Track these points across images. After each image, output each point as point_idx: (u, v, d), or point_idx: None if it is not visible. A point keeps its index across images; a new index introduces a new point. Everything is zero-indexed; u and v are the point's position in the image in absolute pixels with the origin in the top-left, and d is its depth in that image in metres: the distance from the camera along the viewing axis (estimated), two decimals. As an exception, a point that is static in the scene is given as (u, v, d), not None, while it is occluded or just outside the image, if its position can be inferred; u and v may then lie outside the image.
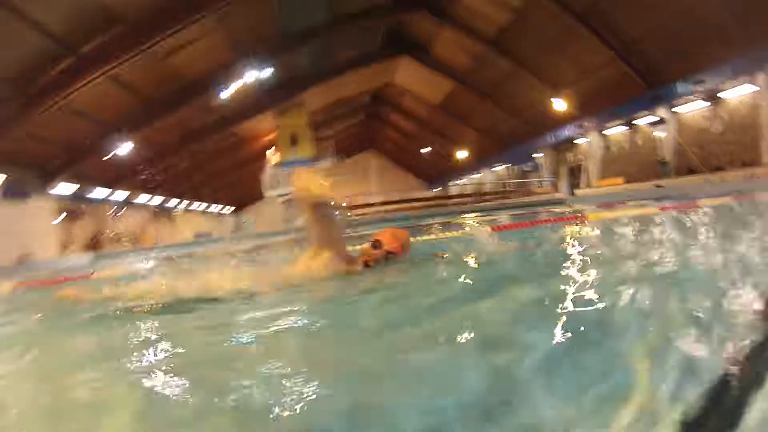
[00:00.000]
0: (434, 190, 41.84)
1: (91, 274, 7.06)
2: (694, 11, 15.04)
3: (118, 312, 2.74)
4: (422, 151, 37.79)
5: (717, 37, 14.90)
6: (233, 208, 42.33)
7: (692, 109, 19.06)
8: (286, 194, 24.16)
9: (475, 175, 35.93)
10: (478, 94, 26.56)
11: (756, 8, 13.50)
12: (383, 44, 24.78)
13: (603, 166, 23.61)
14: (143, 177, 25.48)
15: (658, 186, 16.98)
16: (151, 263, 9.19)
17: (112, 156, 20.51)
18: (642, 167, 21.10)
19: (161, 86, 19.31)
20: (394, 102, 34.38)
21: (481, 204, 22.29)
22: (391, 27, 24.05)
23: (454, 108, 29.86)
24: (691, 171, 18.39)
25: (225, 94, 20.14)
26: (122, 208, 26.70)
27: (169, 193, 30.89)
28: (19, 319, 3.25)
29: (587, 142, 24.20)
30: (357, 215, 25.36)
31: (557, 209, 13.51)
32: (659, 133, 20.27)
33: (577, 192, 23.03)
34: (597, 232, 5.65)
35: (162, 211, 31.61)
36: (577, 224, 6.65)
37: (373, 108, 35.60)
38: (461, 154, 34.55)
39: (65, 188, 21.20)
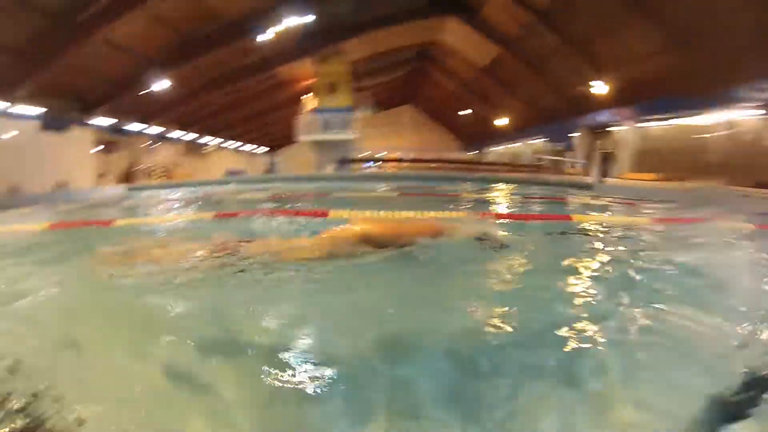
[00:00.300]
0: (469, 153, 41.01)
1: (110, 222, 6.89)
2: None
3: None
4: (461, 113, 36.89)
5: None
6: (267, 148, 42.53)
7: (747, 116, 17.52)
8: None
9: (512, 145, 34.99)
10: (523, 64, 25.56)
11: None
12: (432, 1, 23.83)
13: (638, 158, 22.60)
14: (179, 113, 25.72)
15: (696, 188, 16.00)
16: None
17: (149, 91, 20.62)
18: (679, 167, 19.65)
19: (200, 24, 19.09)
20: (439, 60, 33.45)
21: (511, 175, 21.83)
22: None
23: (498, 74, 28.87)
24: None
25: (263, 37, 19.79)
26: (157, 143, 27.00)
27: (204, 130, 31.13)
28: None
29: (622, 130, 23.19)
30: (389, 168, 25.57)
31: (579, 196, 13.27)
32: (706, 135, 18.97)
33: (607, 180, 22.25)
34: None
35: (196, 147, 31.91)
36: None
37: (417, 63, 34.72)
38: (500, 121, 33.60)
39: (103, 120, 21.50)
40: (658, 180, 19.91)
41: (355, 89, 29.61)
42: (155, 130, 25.84)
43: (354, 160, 25.61)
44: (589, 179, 22.57)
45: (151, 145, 26.05)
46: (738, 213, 8.46)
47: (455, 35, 27.77)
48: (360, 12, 22.26)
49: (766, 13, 13.61)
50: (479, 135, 38.66)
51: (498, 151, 37.38)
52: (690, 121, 19.56)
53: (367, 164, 29.08)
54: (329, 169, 23.55)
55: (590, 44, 20.84)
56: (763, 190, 14.38)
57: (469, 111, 36.36)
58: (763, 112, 16.62)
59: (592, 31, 20.00)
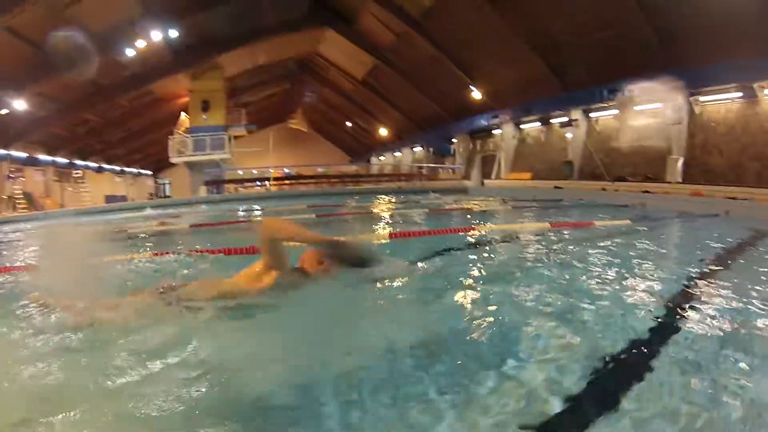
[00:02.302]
0: (354, 165, 41.79)
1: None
2: (617, 23, 15.59)
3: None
4: (347, 125, 37.71)
5: (639, 51, 15.48)
6: (151, 171, 40.94)
7: (606, 116, 19.30)
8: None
9: (397, 153, 36.24)
10: (400, 74, 26.51)
11: (679, 32, 14.32)
12: (309, 13, 24.27)
13: (515, 159, 24.03)
14: (45, 135, 24.25)
15: (557, 187, 17.42)
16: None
17: (7, 112, 19.35)
18: (551, 165, 21.51)
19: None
20: (319, 73, 33.91)
21: (387, 186, 22.57)
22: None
23: (376, 85, 29.78)
24: (595, 177, 18.51)
25: (131, 51, 19.31)
26: (21, 170, 25.00)
27: (77, 153, 29.47)
28: None
29: (501, 133, 24.49)
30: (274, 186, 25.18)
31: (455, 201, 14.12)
32: (569, 135, 20.53)
33: (487, 182, 23.46)
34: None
35: (70, 173, 30.00)
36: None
37: (299, 76, 35.01)
38: (383, 131, 34.79)
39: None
40: (532, 179, 21.58)
41: (235, 105, 29.43)
42: (20, 154, 24.05)
43: (225, 181, 24.76)
44: (467, 182, 23.94)
45: (14, 171, 24.10)
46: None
47: (333, 47, 28.32)
48: (236, 25, 22.13)
49: (621, 22, 15.51)
50: (364, 147, 39.71)
51: (382, 161, 38.45)
52: (557, 122, 21.18)
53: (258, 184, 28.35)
54: (202, 192, 22.81)
55: (464, 52, 21.98)
56: (619, 183, 16.17)
57: (353, 123, 37.20)
58: (617, 111, 18.26)
59: (465, 39, 21.12)
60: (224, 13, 20.88)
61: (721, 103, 14.94)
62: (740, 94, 14.14)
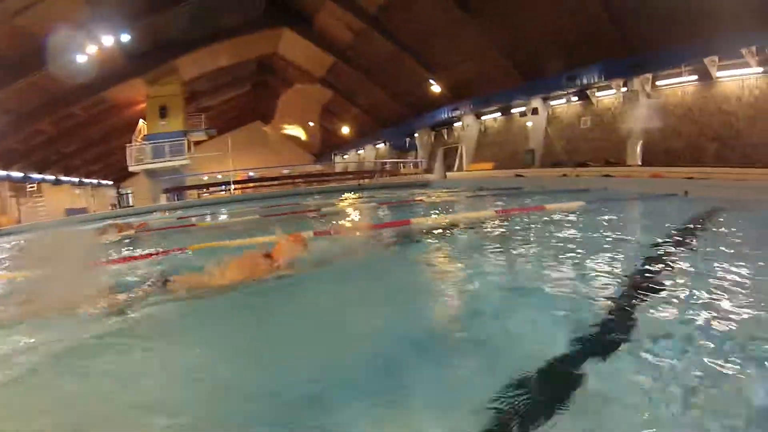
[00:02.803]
0: (319, 165, 41.59)
1: None
2: (575, 11, 15.87)
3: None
4: (310, 124, 37.61)
5: (597, 39, 15.74)
6: (111, 181, 40.07)
7: (565, 103, 19.70)
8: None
9: (360, 151, 36.30)
10: (359, 71, 26.59)
11: (637, 19, 14.59)
12: (265, 13, 24.06)
13: (477, 150, 24.26)
14: (0, 149, 23.58)
15: (519, 175, 17.58)
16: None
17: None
18: (512, 155, 21.75)
19: (11, 46, 17.85)
20: (280, 73, 33.72)
21: (343, 184, 22.50)
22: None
23: (336, 83, 29.86)
24: (556, 164, 18.69)
25: (82, 57, 18.91)
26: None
27: (32, 166, 28.66)
28: None
29: (462, 125, 24.72)
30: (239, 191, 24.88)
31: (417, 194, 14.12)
32: (529, 123, 20.79)
33: (450, 174, 23.52)
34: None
35: (32, 186, 29.13)
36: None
37: (259, 78, 34.81)
38: (345, 130, 34.83)
39: None
40: (494, 169, 21.87)
41: (196, 110, 29.05)
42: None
43: (185, 188, 24.42)
44: (430, 176, 24.08)
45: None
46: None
47: (292, 47, 28.20)
48: (192, 27, 21.75)
49: (579, 10, 15.78)
50: (327, 146, 39.64)
51: (346, 159, 38.43)
52: (517, 111, 21.52)
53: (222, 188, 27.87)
54: (162, 199, 22.48)
55: (422, 46, 22.09)
56: (580, 169, 16.10)
57: (315, 123, 37.12)
58: (576, 98, 18.88)
59: (422, 33, 21.24)
60: (179, 15, 20.55)
61: (678, 86, 15.29)
62: (695, 77, 14.52)
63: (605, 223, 5.98)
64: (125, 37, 19.45)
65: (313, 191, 19.79)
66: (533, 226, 6.02)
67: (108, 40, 18.96)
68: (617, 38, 15.47)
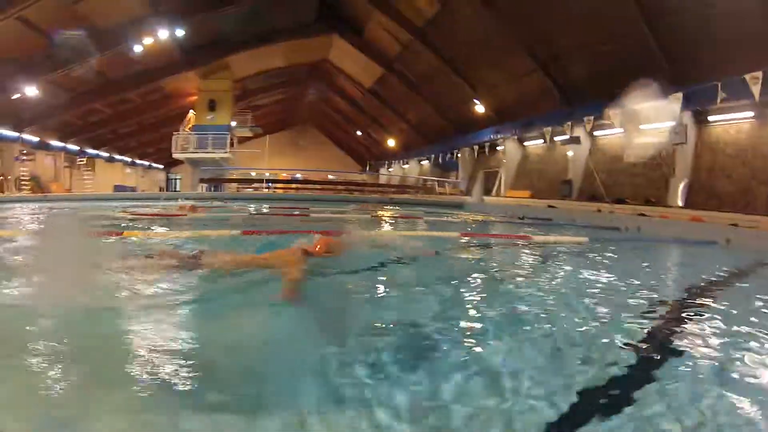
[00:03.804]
0: (364, 174, 41.85)
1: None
2: (620, 37, 15.16)
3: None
4: (357, 133, 38.02)
5: (643, 66, 14.45)
6: (162, 165, 41.72)
7: (610, 134, 18.48)
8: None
9: (405, 165, 36.37)
10: (405, 84, 26.79)
11: (684, 45, 13.75)
12: (317, 19, 24.68)
13: (517, 176, 23.74)
14: (57, 122, 25.02)
15: (551, 206, 16.56)
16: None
17: (22, 96, 20.10)
18: (550, 184, 21.05)
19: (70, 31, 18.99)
20: (330, 79, 34.33)
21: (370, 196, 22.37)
22: (328, 3, 24.00)
23: (383, 94, 30.13)
24: (593, 197, 17.78)
25: (138, 48, 19.89)
26: (32, 153, 25.83)
27: (88, 142, 30.25)
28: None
29: (504, 149, 24.23)
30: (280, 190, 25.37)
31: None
32: (570, 153, 19.88)
33: (487, 199, 23.23)
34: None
35: (82, 160, 30.75)
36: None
37: (310, 82, 35.51)
38: (391, 142, 35.06)
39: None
40: (530, 197, 21.36)
41: (245, 107, 29.96)
42: (31, 138, 24.86)
43: (223, 180, 24.97)
44: (468, 198, 23.80)
45: (24, 154, 24.95)
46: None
47: (343, 55, 28.71)
48: (245, 27, 22.60)
49: (625, 36, 15.08)
50: (373, 156, 39.97)
51: (391, 172, 38.55)
52: (559, 139, 20.37)
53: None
54: (201, 189, 23.16)
55: (467, 63, 22.08)
56: (616, 206, 15.30)
57: (363, 132, 37.52)
58: (622, 130, 17.42)
59: (468, 49, 21.15)
60: (233, 15, 21.31)
61: (731, 123, 14.02)
62: (751, 113, 13.18)
63: (598, 267, 5.24)
64: (180, 32, 20.29)
65: (345, 199, 19.95)
66: (496, 255, 5.87)
67: (163, 33, 19.77)
68: (663, 65, 14.56)
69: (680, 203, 14.81)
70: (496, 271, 5.02)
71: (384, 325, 2.87)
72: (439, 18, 20.53)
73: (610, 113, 15.91)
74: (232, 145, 26.19)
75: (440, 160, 29.43)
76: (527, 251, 6.21)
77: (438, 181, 27.25)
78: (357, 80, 30.76)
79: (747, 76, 11.05)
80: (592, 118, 16.98)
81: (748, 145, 13.49)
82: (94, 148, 31.03)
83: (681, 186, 15.03)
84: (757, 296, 3.73)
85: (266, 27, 23.34)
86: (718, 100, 12.25)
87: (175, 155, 25.83)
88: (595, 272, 4.87)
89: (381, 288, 4.00)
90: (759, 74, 10.88)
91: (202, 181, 23.44)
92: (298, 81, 34.12)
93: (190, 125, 26.73)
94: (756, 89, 10.95)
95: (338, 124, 42.28)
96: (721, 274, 5.00)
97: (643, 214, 12.75)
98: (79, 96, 23.37)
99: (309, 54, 28.85)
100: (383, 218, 11.44)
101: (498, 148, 25.01)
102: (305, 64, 30.99)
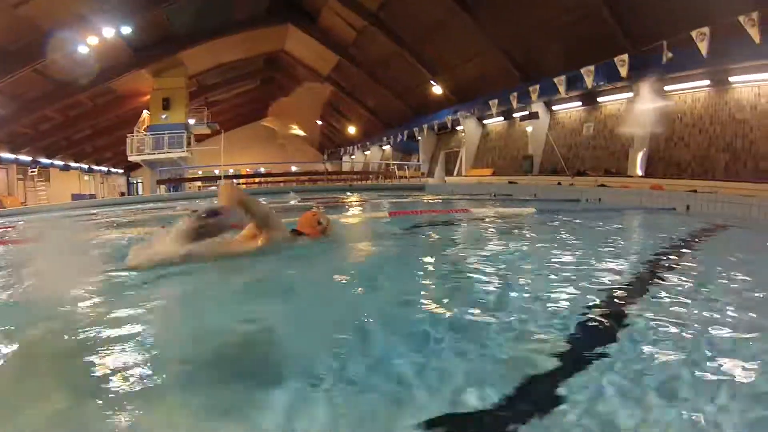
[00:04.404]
0: (328, 164, 41.47)
1: None
2: (577, 9, 15.22)
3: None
4: (318, 122, 37.69)
5: (601, 38, 14.79)
6: (122, 169, 40.70)
7: (568, 108, 18.83)
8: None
9: (367, 152, 36.27)
10: (363, 70, 26.65)
11: (642, 14, 13.72)
12: (270, 9, 24.34)
13: (478, 155, 23.87)
14: (7, 132, 24.13)
15: (512, 182, 16.91)
16: None
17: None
18: (512, 161, 21.25)
19: (14, 36, 18.27)
20: (287, 70, 33.92)
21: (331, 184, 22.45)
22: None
23: (341, 82, 29.94)
24: (555, 172, 18.06)
25: (83, 48, 19.25)
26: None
27: (44, 152, 29.29)
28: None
29: (463, 129, 24.25)
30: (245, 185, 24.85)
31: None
32: (529, 128, 19.91)
33: (449, 179, 23.20)
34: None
35: (33, 171, 29.67)
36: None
37: (267, 74, 35.05)
38: (352, 130, 34.91)
39: None
40: (492, 175, 21.53)
41: (205, 104, 29.39)
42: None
43: (181, 180, 24.38)
44: (430, 180, 23.97)
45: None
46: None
47: (298, 44, 28.34)
48: (196, 22, 22.15)
49: (582, 8, 15.14)
50: (336, 144, 39.75)
51: (353, 159, 38.40)
52: (518, 116, 20.41)
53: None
54: (161, 190, 22.58)
55: (423, 45, 21.96)
56: (576, 178, 15.76)
57: (323, 121, 37.24)
58: (580, 103, 18.06)
59: (422, 31, 21.09)
60: (182, 9, 20.86)
61: (687, 92, 14.28)
62: (707, 81, 13.47)
63: (546, 234, 5.23)
64: (126, 30, 19.70)
65: (301, 189, 19.71)
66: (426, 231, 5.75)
67: (109, 32, 19.17)
68: (620, 36, 14.68)
69: (640, 173, 15.04)
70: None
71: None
72: (392, 1, 20.44)
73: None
74: (189, 143, 25.57)
75: (401, 143, 29.47)
76: (465, 225, 6.32)
77: (399, 164, 27.23)
78: (314, 69, 30.46)
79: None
80: (537, 86, 16.94)
81: (705, 113, 13.82)
82: (48, 157, 30.03)
83: (640, 156, 15.26)
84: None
85: (218, 20, 22.88)
86: (664, 59, 12.22)
87: (131, 158, 25.13)
88: (535, 242, 4.79)
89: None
90: (706, 30, 10.87)
91: (159, 182, 22.91)
92: (255, 73, 33.63)
93: (145, 126, 26.03)
94: (703, 46, 10.97)
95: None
96: (674, 237, 5.08)
97: (603, 185, 13.14)
98: (27, 103, 22.56)
99: (264, 45, 28.43)
100: (337, 205, 11.15)
101: (458, 128, 25.02)
102: (261, 56, 30.54)
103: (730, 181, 11.46)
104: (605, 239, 5.09)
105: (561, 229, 5.80)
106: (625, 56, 13.23)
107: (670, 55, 12.12)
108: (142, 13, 19.91)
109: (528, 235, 5.43)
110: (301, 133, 33.86)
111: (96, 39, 19.15)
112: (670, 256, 3.80)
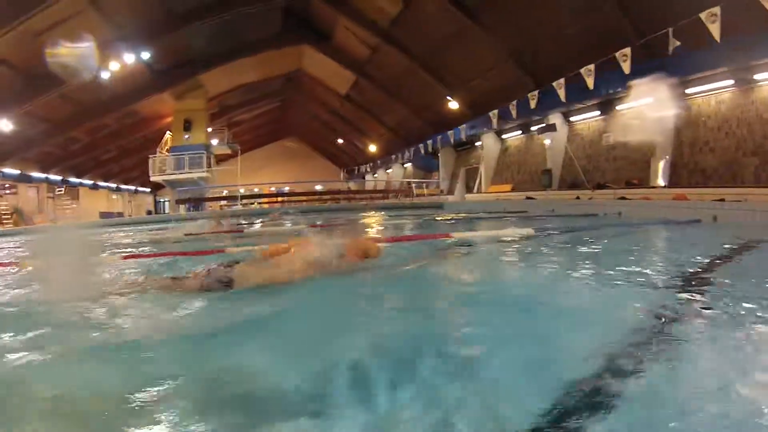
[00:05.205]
0: (350, 182, 41.64)
1: None
2: (590, 16, 14.89)
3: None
4: (339, 142, 38.12)
5: (616, 44, 13.63)
6: (149, 188, 41.81)
7: (586, 118, 18.10)
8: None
9: (388, 171, 36.40)
10: (379, 88, 26.84)
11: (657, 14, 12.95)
12: (285, 29, 24.71)
13: (498, 171, 23.50)
14: (37, 153, 25.14)
15: (529, 198, 16.53)
16: None
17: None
18: (531, 176, 20.67)
19: (39, 63, 19.11)
20: (306, 90, 34.37)
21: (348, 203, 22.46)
22: (294, 13, 24.04)
23: (360, 100, 30.22)
24: (574, 185, 17.33)
25: (105, 74, 20.00)
26: (14, 186, 26.02)
27: (73, 171, 30.42)
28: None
29: (482, 144, 23.88)
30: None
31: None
32: (547, 141, 19.28)
33: (468, 196, 22.91)
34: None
35: (60, 189, 30.81)
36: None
37: (287, 94, 35.64)
38: (372, 148, 35.16)
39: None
40: (512, 191, 20.99)
41: (226, 125, 30.08)
42: (11, 171, 25.02)
43: (202, 199, 24.31)
44: (450, 198, 23.77)
45: (6, 187, 25.12)
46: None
47: (315, 63, 28.72)
48: (213, 44, 22.69)
49: (595, 14, 14.85)
50: (356, 162, 40.04)
51: (376, 177, 38.51)
52: (536, 128, 19.85)
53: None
54: (182, 210, 23.04)
55: (436, 59, 21.99)
56: (596, 192, 15.28)
57: (344, 140, 37.62)
58: (599, 112, 17.29)
59: (434, 44, 21.04)
60: (198, 33, 21.45)
61: (711, 94, 13.45)
62: (731, 81, 12.69)
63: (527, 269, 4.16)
64: (145, 55, 20.43)
65: (320, 209, 19.75)
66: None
67: (129, 58, 19.92)
68: (636, 38, 13.67)
69: (662, 182, 14.35)
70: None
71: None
72: (403, 17, 20.56)
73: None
74: (210, 164, 26.18)
75: (422, 161, 29.45)
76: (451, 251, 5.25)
77: (418, 182, 27.21)
78: (332, 88, 30.84)
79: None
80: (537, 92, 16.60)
81: (731, 115, 13.00)
82: (77, 176, 31.16)
83: (662, 165, 14.53)
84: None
85: (234, 42, 23.42)
86: (670, 49, 11.59)
87: (153, 178, 25.89)
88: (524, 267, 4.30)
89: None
90: (716, 10, 10.17)
91: (178, 202, 23.45)
92: (275, 93, 34.25)
93: (167, 147, 26.80)
94: (715, 28, 10.26)
95: (320, 134, 42.37)
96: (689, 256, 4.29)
97: (624, 198, 12.50)
98: (55, 125, 23.51)
99: (282, 65, 28.89)
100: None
101: (477, 143, 24.72)
102: (280, 76, 31.04)
103: (761, 187, 10.86)
104: (600, 266, 4.01)
105: (553, 258, 4.73)
106: (627, 50, 12.67)
107: (677, 43, 11.46)
108: (160, 38, 20.58)
109: (500, 269, 4.20)
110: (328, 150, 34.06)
111: (117, 64, 19.86)
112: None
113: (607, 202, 12.00)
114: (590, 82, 14.30)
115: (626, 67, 12.90)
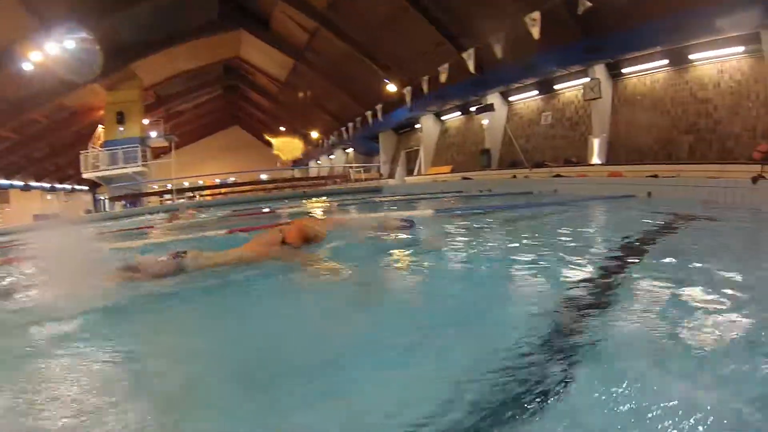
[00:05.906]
0: (295, 169, 41.11)
1: None
2: None
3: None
4: (281, 129, 37.59)
5: (552, 24, 13.19)
6: (87, 186, 40.14)
7: (525, 97, 18.39)
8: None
9: (331, 156, 36.22)
10: (318, 73, 26.44)
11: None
12: (221, 15, 23.92)
13: (438, 152, 23.58)
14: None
15: (465, 178, 16.77)
16: None
17: None
18: (471, 156, 20.78)
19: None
20: (247, 77, 33.74)
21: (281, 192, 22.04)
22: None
23: (299, 86, 29.65)
24: (514, 164, 17.42)
25: (28, 66, 18.96)
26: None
27: (2, 172, 28.85)
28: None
29: (421, 126, 23.96)
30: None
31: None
32: (485, 121, 19.36)
33: (408, 179, 23.00)
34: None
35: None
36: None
37: (228, 82, 34.82)
38: (314, 134, 34.83)
39: None
40: (451, 172, 20.79)
41: (166, 115, 29.10)
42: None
43: (137, 195, 23.36)
44: (390, 181, 23.83)
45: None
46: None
47: (253, 50, 28.13)
48: (146, 31, 21.68)
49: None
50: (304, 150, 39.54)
51: (319, 164, 38.29)
52: (474, 109, 19.99)
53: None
54: (118, 207, 22.14)
55: (373, 42, 21.59)
56: (534, 170, 15.30)
57: (286, 128, 37.03)
58: (537, 92, 17.57)
59: (371, 28, 20.61)
60: (131, 20, 20.56)
61: (646, 74, 13.84)
62: (666, 61, 13.03)
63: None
64: (69, 44, 19.38)
65: (254, 199, 19.28)
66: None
67: (52, 48, 18.87)
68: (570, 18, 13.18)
69: (600, 160, 14.66)
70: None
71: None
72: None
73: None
74: (146, 157, 25.26)
75: (363, 145, 29.43)
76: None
77: (357, 167, 27.16)
78: (272, 75, 30.33)
79: None
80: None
81: (666, 94, 13.36)
82: (6, 178, 29.62)
83: (597, 142, 14.83)
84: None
85: (168, 29, 22.48)
86: (580, 9, 11.19)
87: (86, 175, 24.73)
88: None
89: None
90: None
91: (112, 199, 22.55)
92: (214, 81, 33.40)
93: (100, 141, 25.66)
94: None
95: (263, 123, 41.57)
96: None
97: (559, 175, 12.87)
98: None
99: (220, 52, 28.16)
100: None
101: (417, 126, 24.75)
102: (218, 63, 30.25)
103: (694, 163, 11.13)
104: (509, 248, 4.12)
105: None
106: (537, 14, 12.33)
107: (588, 4, 11.08)
108: (88, 26, 19.61)
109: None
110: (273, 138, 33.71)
111: (40, 55, 18.81)
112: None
113: (543, 180, 12.30)
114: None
115: (535, 32, 12.54)
